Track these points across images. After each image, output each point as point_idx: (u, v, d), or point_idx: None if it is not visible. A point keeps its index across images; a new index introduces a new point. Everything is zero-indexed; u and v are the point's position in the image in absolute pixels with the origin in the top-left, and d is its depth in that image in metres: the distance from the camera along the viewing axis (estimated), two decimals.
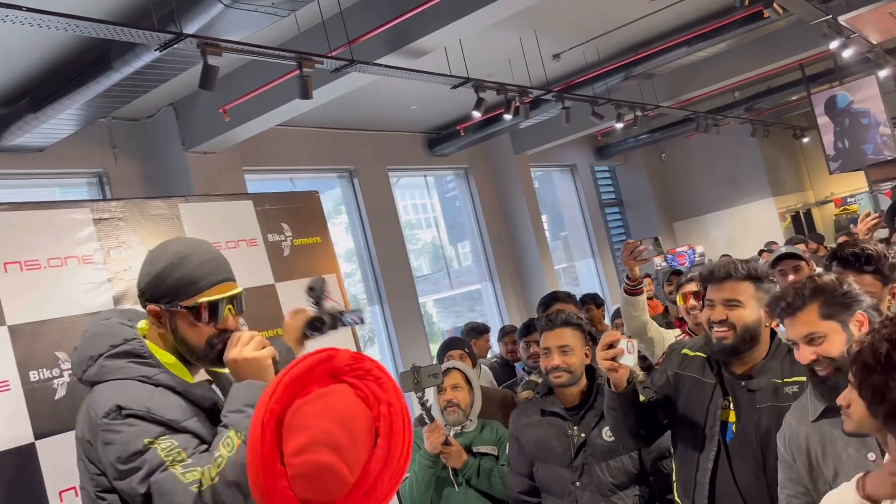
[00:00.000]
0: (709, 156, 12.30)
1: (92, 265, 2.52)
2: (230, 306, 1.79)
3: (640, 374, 2.43)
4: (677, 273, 5.78)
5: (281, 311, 3.12)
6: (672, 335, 3.67)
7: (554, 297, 3.65)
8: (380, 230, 7.82)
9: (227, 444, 1.60)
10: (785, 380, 2.12)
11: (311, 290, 2.33)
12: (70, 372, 2.37)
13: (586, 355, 2.68)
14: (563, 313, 2.73)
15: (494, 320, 9.02)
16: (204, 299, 1.74)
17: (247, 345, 1.73)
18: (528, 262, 9.50)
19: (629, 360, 2.13)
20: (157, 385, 1.68)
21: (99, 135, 5.68)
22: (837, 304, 1.80)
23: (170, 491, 1.55)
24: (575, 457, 2.60)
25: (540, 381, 2.79)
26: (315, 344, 2.29)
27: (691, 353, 2.34)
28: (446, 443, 2.92)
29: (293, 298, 3.21)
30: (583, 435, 2.61)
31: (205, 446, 1.65)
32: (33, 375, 2.28)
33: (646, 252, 3.17)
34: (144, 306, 1.79)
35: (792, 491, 1.88)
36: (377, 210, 7.86)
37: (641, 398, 2.30)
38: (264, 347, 1.75)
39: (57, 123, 4.92)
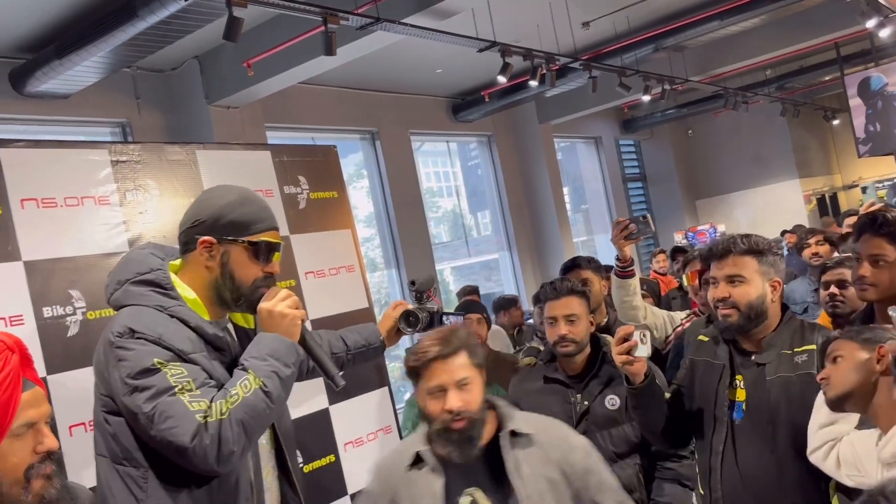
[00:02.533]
0: (736, 134, 12.12)
1: (108, 206, 2.54)
2: (278, 254, 1.86)
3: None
4: (681, 250, 5.70)
5: (295, 263, 3.13)
6: (678, 316, 3.62)
7: (575, 263, 3.58)
8: (400, 194, 7.81)
9: (244, 386, 1.63)
10: (795, 349, 2.07)
11: (412, 283, 2.37)
12: (83, 310, 2.40)
13: (591, 323, 2.66)
14: (568, 282, 2.70)
15: (510, 290, 9.02)
16: (264, 237, 1.81)
17: (283, 300, 1.78)
18: (548, 233, 9.46)
19: (644, 352, 2.08)
20: (171, 316, 1.72)
21: (123, 85, 5.70)
22: None
23: (175, 415, 1.58)
24: (577, 425, 2.58)
25: (542, 347, 2.77)
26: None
27: (706, 338, 2.29)
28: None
29: (308, 251, 3.22)
30: (585, 403, 2.60)
31: (212, 382, 1.67)
32: (47, 312, 2.31)
33: (636, 231, 3.01)
34: (191, 239, 1.82)
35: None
36: (398, 173, 7.84)
37: (667, 394, 2.26)
38: (299, 308, 1.79)
39: (82, 71, 4.93)
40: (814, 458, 1.87)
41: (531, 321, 6.07)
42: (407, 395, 3.18)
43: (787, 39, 8.38)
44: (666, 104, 9.45)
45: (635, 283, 3.15)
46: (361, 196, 8.57)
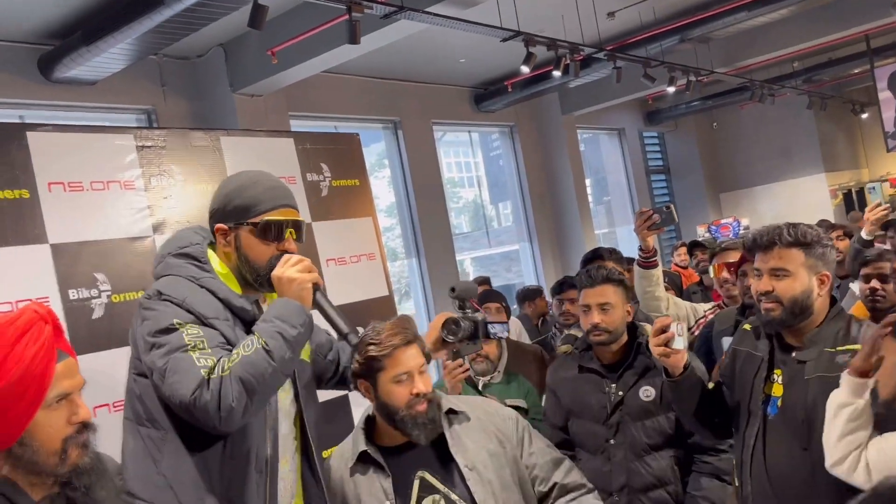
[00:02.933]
0: (762, 127, 11.97)
1: (133, 191, 2.57)
2: (291, 230, 1.87)
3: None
4: (699, 245, 5.64)
5: (317, 250, 3.15)
6: (701, 308, 3.59)
7: (597, 254, 3.55)
8: (421, 184, 7.81)
9: (246, 346, 1.67)
10: (837, 348, 1.98)
11: (452, 290, 2.31)
12: (108, 293, 2.43)
13: (628, 312, 2.63)
14: (604, 269, 2.66)
15: (531, 281, 9.01)
16: (267, 217, 1.84)
17: (293, 266, 1.79)
18: (569, 224, 9.42)
19: (681, 344, 2.06)
20: (201, 286, 1.78)
21: (149, 72, 5.74)
22: None
23: (181, 370, 1.63)
24: (611, 414, 2.57)
25: (580, 335, 2.75)
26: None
27: (749, 328, 2.22)
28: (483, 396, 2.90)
29: (329, 238, 3.24)
30: (620, 393, 2.57)
31: (228, 346, 1.71)
32: (73, 294, 2.35)
33: (660, 221, 2.98)
34: (211, 229, 1.90)
35: None
36: (420, 163, 7.84)
37: (710, 385, 2.22)
38: (310, 272, 1.80)
39: (108, 58, 4.97)
40: (838, 471, 1.80)
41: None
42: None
43: (816, 31, 8.24)
44: (691, 96, 9.36)
45: (658, 273, 3.12)
46: (383, 186, 8.59)
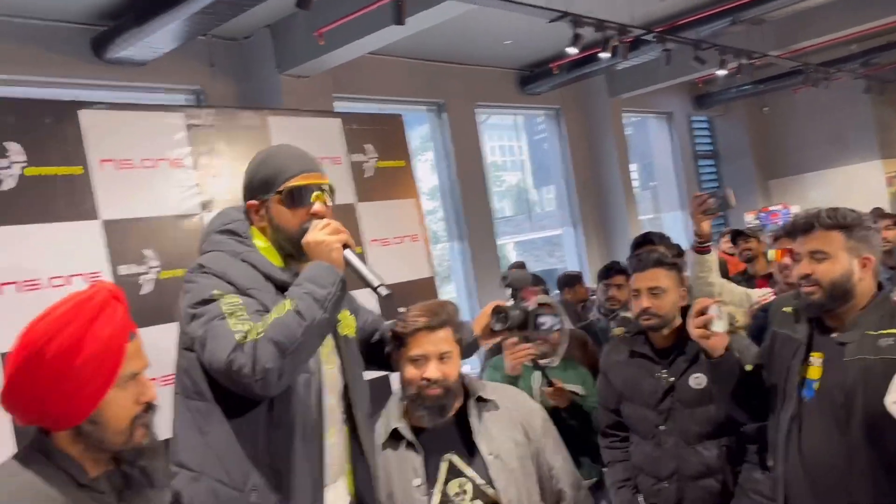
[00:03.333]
0: (815, 112, 11.62)
1: (182, 169, 2.60)
2: (319, 193, 1.87)
3: (740, 319, 2.27)
4: (741, 234, 5.52)
5: (360, 230, 3.16)
6: (755, 294, 3.52)
7: (647, 238, 3.50)
8: (464, 167, 7.78)
9: (278, 309, 1.68)
10: (880, 331, 1.94)
11: (504, 279, 2.31)
12: (157, 269, 2.48)
13: (682, 297, 2.58)
14: (655, 253, 2.63)
15: (574, 266, 8.93)
16: (292, 184, 1.84)
17: (321, 229, 1.80)
18: (614, 210, 9.30)
19: (720, 327, 2.04)
20: (242, 261, 1.81)
21: (198, 52, 5.80)
22: None
23: (216, 336, 1.66)
24: (662, 400, 2.55)
25: (633, 318, 2.72)
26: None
27: (789, 310, 2.19)
28: (550, 384, 2.88)
29: (373, 219, 3.25)
30: (671, 379, 2.54)
31: (265, 313, 1.72)
32: (122, 269, 2.40)
33: (715, 206, 2.92)
34: (246, 208, 1.92)
35: None
36: (463, 146, 7.81)
37: (748, 367, 2.19)
38: (339, 233, 1.80)
39: (158, 38, 5.04)
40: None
41: (595, 297, 6.02)
42: (491, 360, 3.19)
43: (875, 13, 7.94)
44: (742, 79, 9.11)
45: (713, 259, 3.07)
46: (426, 169, 8.58)
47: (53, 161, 2.29)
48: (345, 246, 1.80)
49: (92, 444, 1.38)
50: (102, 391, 1.36)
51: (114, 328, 1.37)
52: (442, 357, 1.99)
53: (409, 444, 2.03)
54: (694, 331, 2.07)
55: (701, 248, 3.03)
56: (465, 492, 2.01)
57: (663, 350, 2.61)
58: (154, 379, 2.37)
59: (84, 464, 1.40)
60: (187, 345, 1.78)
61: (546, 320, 2.23)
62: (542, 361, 3.11)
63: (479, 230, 7.81)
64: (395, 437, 2.04)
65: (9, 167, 2.19)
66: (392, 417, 2.07)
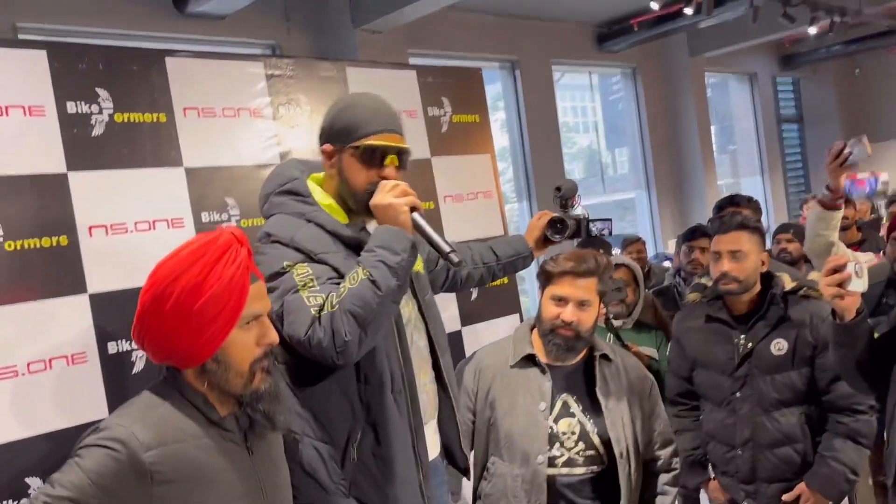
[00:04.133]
0: None
1: (262, 119, 2.62)
2: (393, 157, 1.84)
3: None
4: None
5: (435, 185, 3.14)
6: (862, 258, 3.37)
7: (732, 201, 3.37)
8: (536, 127, 7.66)
9: (352, 278, 1.68)
10: None
11: (557, 189, 2.35)
12: (237, 217, 2.52)
13: (763, 262, 2.51)
14: (738, 215, 2.54)
15: (646, 231, 8.76)
16: (369, 142, 1.82)
17: (389, 191, 1.78)
18: (690, 174, 9.04)
19: (859, 286, 1.89)
20: (308, 221, 1.80)
21: (275, 7, 5.84)
22: None
23: (294, 310, 1.68)
24: (738, 367, 2.49)
25: (710, 283, 2.65)
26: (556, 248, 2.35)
27: None
28: (624, 347, 2.85)
29: (447, 174, 3.22)
30: (749, 345, 2.48)
31: (339, 280, 1.73)
32: (205, 217, 2.44)
33: (855, 156, 2.76)
34: (319, 150, 1.91)
35: None
36: (536, 105, 7.68)
37: (875, 334, 2.07)
38: (407, 195, 1.78)
39: None
40: None
41: (654, 261, 5.90)
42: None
43: None
44: (833, 39, 8.67)
45: (839, 217, 2.90)
46: (496, 129, 8.48)
47: (140, 108, 2.33)
48: (413, 209, 1.78)
49: (216, 385, 1.45)
50: (226, 329, 1.41)
51: (236, 269, 1.42)
52: (581, 304, 2.13)
53: (542, 371, 2.18)
54: (827, 289, 1.95)
55: (831, 204, 2.87)
56: (573, 433, 2.16)
57: (741, 316, 2.53)
58: None
59: (214, 403, 1.47)
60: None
61: (598, 225, 2.38)
62: (615, 322, 3.07)
63: (548, 192, 7.69)
64: (524, 361, 2.20)
65: (99, 113, 2.25)
66: (524, 343, 2.23)
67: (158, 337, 1.42)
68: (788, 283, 2.53)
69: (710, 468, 2.68)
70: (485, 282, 2.40)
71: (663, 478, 2.29)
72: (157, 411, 1.42)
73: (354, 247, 1.82)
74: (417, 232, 1.80)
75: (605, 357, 2.23)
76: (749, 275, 2.47)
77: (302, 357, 1.75)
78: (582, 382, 2.22)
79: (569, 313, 2.12)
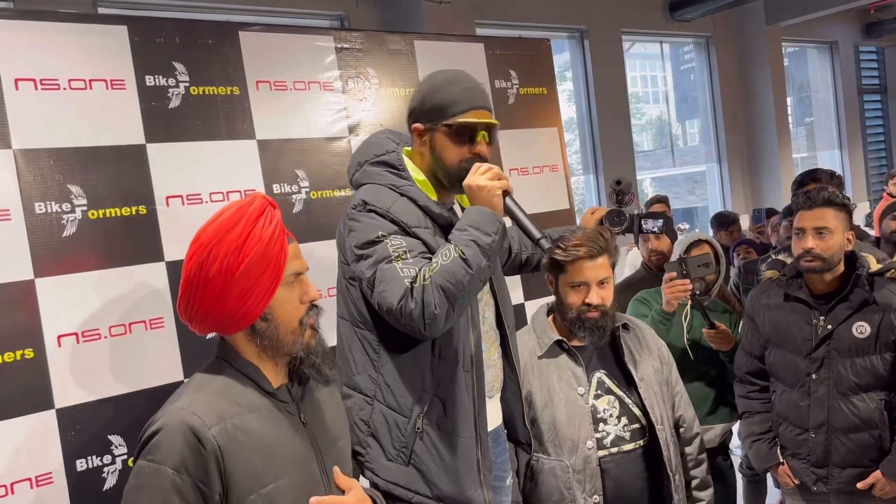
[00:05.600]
0: None
1: (332, 92, 2.65)
2: (484, 133, 1.89)
3: None
4: None
5: (501, 159, 3.13)
6: None
7: (814, 176, 3.24)
8: (605, 97, 7.51)
9: (444, 254, 1.72)
10: None
11: (617, 183, 2.42)
12: (307, 189, 2.56)
13: (848, 241, 2.42)
14: (825, 191, 2.45)
15: (716, 205, 8.55)
16: (462, 119, 1.86)
17: (483, 174, 1.82)
18: (764, 147, 8.74)
19: None
20: (402, 195, 1.84)
21: None
22: None
23: (388, 280, 1.71)
24: (816, 348, 2.43)
25: (788, 261, 2.58)
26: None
27: None
28: (712, 325, 2.82)
29: (514, 147, 3.20)
30: (829, 327, 2.41)
31: (428, 254, 1.78)
32: (276, 188, 2.49)
33: None
34: (409, 128, 1.95)
35: None
36: (605, 75, 7.52)
37: None
38: (500, 179, 1.82)
39: None
40: None
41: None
42: (639, 294, 3.18)
43: None
44: None
45: None
46: (562, 99, 8.34)
47: (215, 81, 2.38)
48: (505, 193, 1.82)
49: (267, 345, 1.48)
50: (272, 287, 1.45)
51: (274, 228, 1.46)
52: (601, 283, 2.12)
53: (572, 357, 2.18)
54: None
55: None
56: (614, 408, 2.16)
57: (822, 295, 2.45)
58: None
59: (268, 375, 1.51)
60: (351, 276, 1.86)
61: (650, 224, 2.38)
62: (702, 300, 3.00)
63: (616, 164, 7.57)
64: (552, 349, 2.19)
65: (176, 86, 2.31)
66: (549, 332, 2.21)
67: (206, 302, 1.44)
68: (874, 265, 2.44)
69: (777, 451, 2.63)
70: (540, 267, 2.42)
71: (692, 448, 2.28)
72: (210, 388, 1.45)
73: (442, 225, 1.87)
74: (509, 216, 1.85)
75: (624, 326, 2.25)
76: (834, 253, 2.38)
77: (383, 325, 1.82)
78: (611, 357, 2.22)
79: (594, 295, 2.11)
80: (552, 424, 2.13)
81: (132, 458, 1.52)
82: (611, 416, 2.15)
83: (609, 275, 2.14)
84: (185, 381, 1.52)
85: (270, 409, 1.48)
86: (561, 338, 2.20)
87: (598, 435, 2.13)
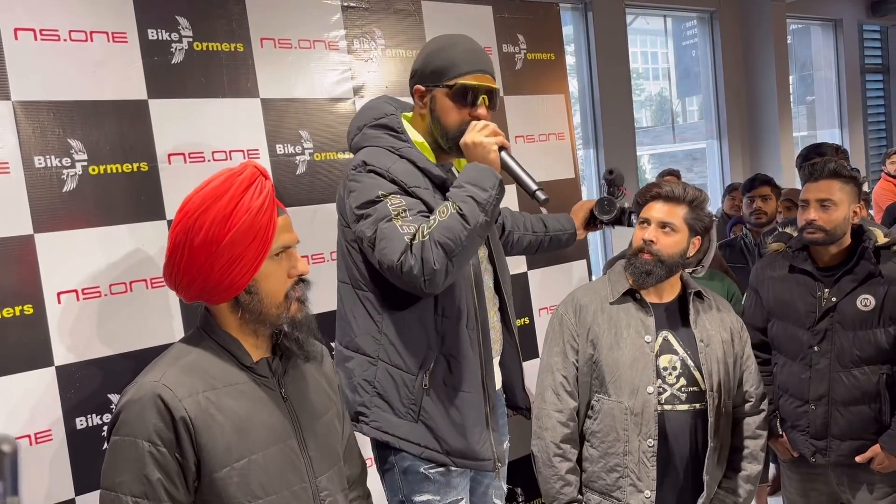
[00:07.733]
0: None
1: (337, 52, 2.60)
2: (485, 97, 1.89)
3: None
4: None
5: (507, 125, 3.09)
6: None
7: (819, 150, 3.21)
8: (607, 71, 7.42)
9: (442, 211, 1.73)
10: None
11: (609, 172, 2.43)
12: (311, 150, 2.52)
13: (855, 213, 2.40)
14: (832, 162, 2.43)
15: (715, 182, 8.52)
16: (463, 81, 1.87)
17: (479, 131, 1.83)
18: (765, 125, 8.70)
19: None
20: (401, 157, 1.85)
21: None
22: None
23: (388, 237, 1.73)
24: (819, 321, 2.42)
25: (795, 234, 2.56)
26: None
27: None
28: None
29: (520, 113, 3.16)
30: (833, 299, 2.39)
31: (428, 213, 1.79)
32: (279, 149, 2.45)
33: None
34: (411, 90, 1.96)
35: None
36: (607, 49, 7.44)
37: None
38: (496, 136, 1.83)
39: None
40: None
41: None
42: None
43: None
44: None
45: None
46: None
47: (218, 37, 2.33)
48: (501, 148, 1.83)
49: (249, 318, 1.44)
50: (259, 259, 1.41)
51: (264, 199, 1.42)
52: (663, 225, 2.13)
53: (644, 307, 2.19)
54: None
55: None
56: (674, 368, 2.16)
57: (828, 268, 2.44)
58: (305, 256, 2.46)
59: (248, 348, 1.47)
60: (352, 238, 1.87)
61: (636, 220, 2.36)
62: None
63: (616, 139, 7.52)
64: (624, 297, 2.21)
65: (179, 41, 2.25)
66: (622, 280, 2.23)
67: (191, 271, 1.41)
68: (881, 238, 2.43)
69: (777, 424, 2.63)
70: (531, 250, 2.45)
71: (754, 420, 2.27)
72: (184, 360, 1.42)
73: (441, 186, 1.88)
74: (505, 171, 1.85)
75: (698, 295, 2.24)
76: (837, 225, 2.36)
77: (385, 285, 1.82)
78: (678, 319, 2.22)
79: (650, 232, 2.13)
80: (615, 367, 2.14)
81: (106, 437, 1.49)
82: (670, 374, 2.15)
83: (676, 223, 2.13)
84: (166, 350, 1.48)
85: (248, 383, 1.45)
86: (633, 288, 2.21)
87: (657, 387, 2.15)
